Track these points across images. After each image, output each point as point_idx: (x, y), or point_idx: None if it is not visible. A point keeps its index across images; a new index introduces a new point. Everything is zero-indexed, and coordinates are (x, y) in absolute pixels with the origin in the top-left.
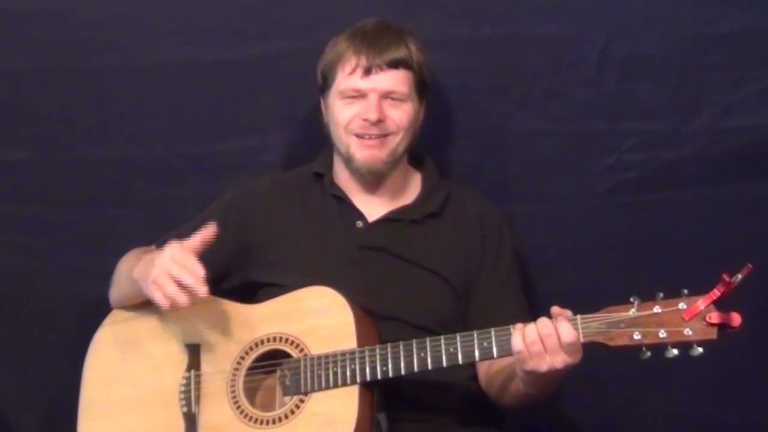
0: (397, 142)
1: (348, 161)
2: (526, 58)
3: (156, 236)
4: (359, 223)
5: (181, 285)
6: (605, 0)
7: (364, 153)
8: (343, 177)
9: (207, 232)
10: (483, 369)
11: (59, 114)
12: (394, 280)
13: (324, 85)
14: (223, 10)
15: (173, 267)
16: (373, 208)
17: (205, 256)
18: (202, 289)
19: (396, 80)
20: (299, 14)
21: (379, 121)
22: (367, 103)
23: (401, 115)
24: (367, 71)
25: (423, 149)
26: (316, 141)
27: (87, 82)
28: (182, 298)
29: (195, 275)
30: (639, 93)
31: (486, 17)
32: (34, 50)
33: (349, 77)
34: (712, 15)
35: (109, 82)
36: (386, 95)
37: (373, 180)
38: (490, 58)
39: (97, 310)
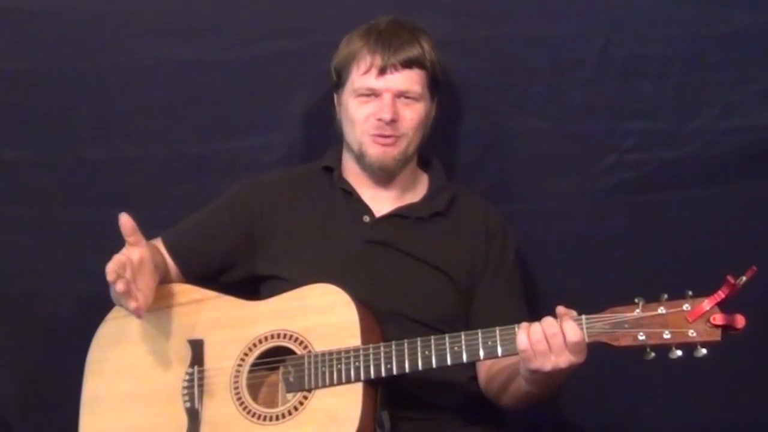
0: (408, 142)
1: (360, 158)
2: (526, 58)
3: (156, 236)
4: (366, 218)
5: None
6: (605, 0)
7: (376, 150)
8: (352, 172)
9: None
10: (483, 368)
11: (59, 114)
12: (399, 275)
13: (338, 82)
14: (223, 10)
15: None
16: (380, 203)
17: (210, 247)
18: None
19: (410, 80)
20: (299, 14)
21: (393, 121)
22: (381, 103)
23: (413, 115)
24: (382, 71)
25: (422, 149)
26: (317, 141)
27: (87, 82)
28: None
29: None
30: (639, 93)
31: (486, 17)
32: (34, 50)
33: (363, 76)
34: (712, 15)
35: (109, 82)
36: (400, 95)
37: (383, 176)
38: (490, 58)
39: (97, 310)
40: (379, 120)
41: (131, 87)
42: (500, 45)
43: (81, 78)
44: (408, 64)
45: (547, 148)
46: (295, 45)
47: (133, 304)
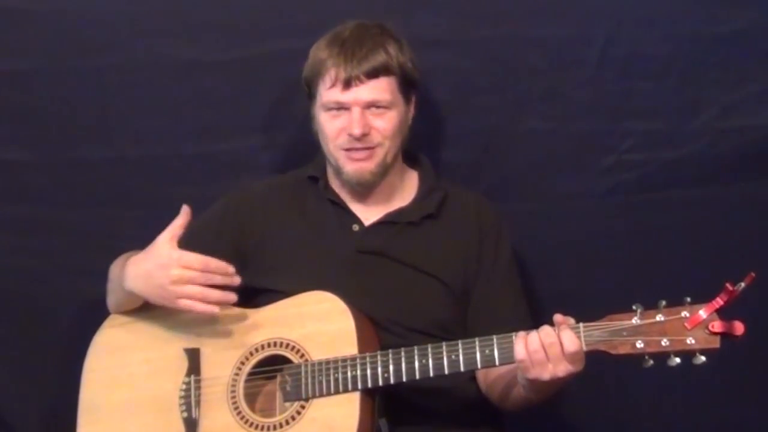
0: (385, 152)
1: (338, 173)
2: (526, 58)
3: (155, 237)
4: (355, 227)
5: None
6: (605, 0)
7: (352, 166)
8: (337, 181)
9: (183, 217)
10: (481, 375)
11: (59, 114)
12: (392, 284)
13: (309, 94)
14: (223, 10)
15: (195, 275)
16: (369, 211)
17: None
18: (236, 279)
19: (378, 89)
20: (299, 14)
21: (364, 135)
22: (350, 117)
23: (386, 125)
24: (347, 84)
25: (422, 149)
26: (316, 141)
27: (87, 82)
28: (231, 298)
29: (222, 271)
30: (639, 93)
31: (486, 17)
32: (34, 50)
33: (330, 91)
34: (712, 15)
35: (109, 82)
36: (369, 106)
37: (364, 189)
38: (490, 58)
39: (97, 310)
40: (350, 135)
41: (131, 87)
42: (500, 45)
43: (81, 78)
44: (373, 73)
45: (547, 148)
46: (295, 45)
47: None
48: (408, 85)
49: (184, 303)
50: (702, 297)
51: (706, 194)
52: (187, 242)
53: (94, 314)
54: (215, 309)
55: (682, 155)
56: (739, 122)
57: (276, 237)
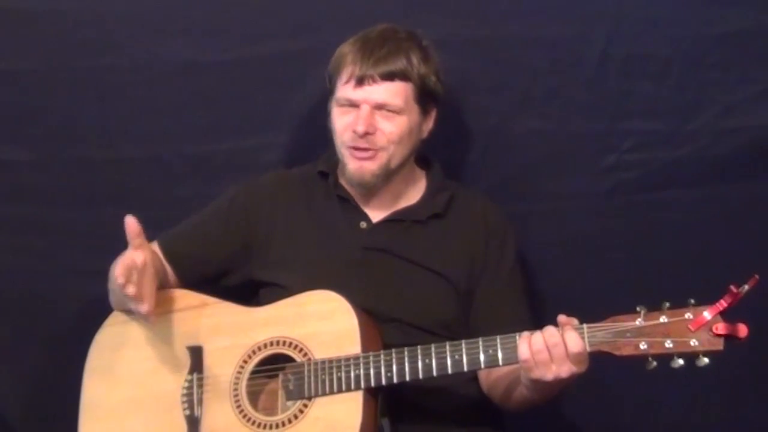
0: (388, 156)
1: (342, 169)
2: (526, 58)
3: (155, 236)
4: (363, 224)
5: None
6: (605, 0)
7: (355, 164)
8: (346, 178)
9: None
10: (483, 375)
11: (59, 114)
12: (397, 281)
13: (330, 89)
14: (223, 10)
15: (122, 272)
16: (377, 208)
17: (207, 253)
18: (139, 259)
19: (390, 92)
20: (299, 14)
21: (367, 134)
22: (358, 114)
23: (393, 129)
24: (360, 82)
25: (422, 149)
26: (316, 141)
27: (87, 82)
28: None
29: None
30: (639, 93)
31: (486, 17)
32: (34, 50)
33: (344, 86)
34: (712, 15)
35: (109, 82)
36: (379, 107)
37: (365, 190)
38: (490, 58)
39: (97, 310)
40: (354, 132)
41: (131, 87)
42: (500, 45)
43: (81, 78)
44: (388, 76)
45: (547, 148)
46: (296, 45)
47: (144, 308)
48: (427, 97)
49: (132, 306)
50: (701, 297)
51: (706, 194)
52: (193, 234)
53: (95, 314)
54: (144, 307)
55: (682, 155)
56: (739, 122)
57: (283, 231)
